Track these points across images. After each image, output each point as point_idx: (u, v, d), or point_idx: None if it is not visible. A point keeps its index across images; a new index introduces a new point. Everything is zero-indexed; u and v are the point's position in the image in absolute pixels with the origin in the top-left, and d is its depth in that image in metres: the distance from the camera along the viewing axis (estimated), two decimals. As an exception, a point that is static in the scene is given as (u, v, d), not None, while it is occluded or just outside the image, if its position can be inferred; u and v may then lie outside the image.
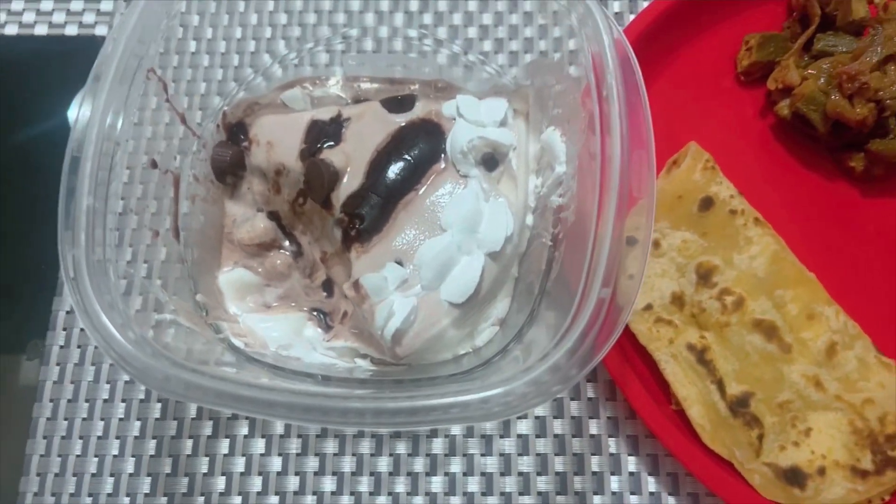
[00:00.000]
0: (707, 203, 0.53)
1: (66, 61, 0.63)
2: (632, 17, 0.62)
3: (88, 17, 0.65)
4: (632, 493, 0.50)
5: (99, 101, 0.40)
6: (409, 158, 0.47)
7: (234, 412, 0.43)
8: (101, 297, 0.37)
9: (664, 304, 0.52)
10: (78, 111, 0.40)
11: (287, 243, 0.51)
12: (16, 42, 0.64)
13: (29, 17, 0.65)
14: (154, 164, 0.46)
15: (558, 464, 0.51)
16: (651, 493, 0.50)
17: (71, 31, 0.64)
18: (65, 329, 0.55)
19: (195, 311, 0.47)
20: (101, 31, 0.64)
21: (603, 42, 0.41)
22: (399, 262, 0.45)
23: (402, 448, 0.51)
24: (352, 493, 0.50)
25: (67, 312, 0.55)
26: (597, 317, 0.36)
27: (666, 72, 0.60)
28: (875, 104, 0.53)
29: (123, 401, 0.53)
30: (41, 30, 0.65)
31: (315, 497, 0.50)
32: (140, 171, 0.45)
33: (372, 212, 0.46)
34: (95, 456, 0.51)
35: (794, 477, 0.47)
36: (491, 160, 0.48)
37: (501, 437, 0.52)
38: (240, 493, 0.50)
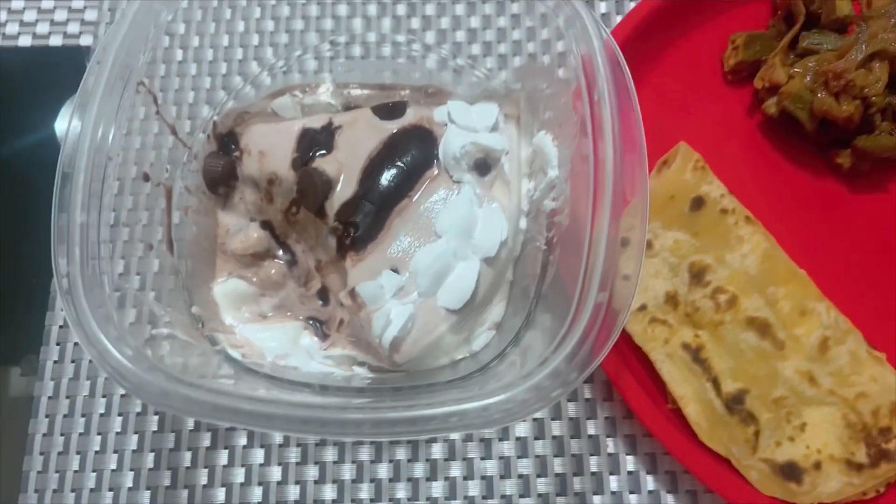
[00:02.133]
0: (698, 203, 0.54)
1: (51, 72, 0.63)
2: (619, 17, 0.62)
3: (73, 28, 0.64)
4: (631, 493, 0.50)
5: (90, 113, 0.40)
6: (401, 165, 0.48)
7: (232, 425, 0.43)
8: (95, 311, 0.36)
9: (658, 304, 0.52)
10: (68, 123, 0.40)
11: (281, 252, 0.51)
12: (0, 54, 0.63)
13: (12, 28, 0.64)
14: (146, 177, 0.46)
15: (557, 465, 0.51)
16: (650, 492, 0.50)
17: (55, 41, 0.64)
18: (58, 344, 0.54)
19: (191, 323, 0.47)
20: (86, 41, 0.64)
21: (592, 44, 0.41)
22: (395, 270, 0.45)
23: (401, 454, 0.51)
24: (353, 501, 0.50)
25: (61, 327, 0.55)
26: (594, 321, 0.36)
27: (653, 72, 0.60)
28: (861, 101, 0.54)
29: (120, 414, 0.52)
30: (25, 41, 0.64)
31: (316, 506, 0.50)
32: (131, 183, 0.45)
33: (366, 219, 0.46)
34: (93, 471, 0.51)
35: (790, 472, 0.47)
36: (483, 165, 0.48)
37: (500, 440, 0.52)
38: (240, 504, 0.50)
